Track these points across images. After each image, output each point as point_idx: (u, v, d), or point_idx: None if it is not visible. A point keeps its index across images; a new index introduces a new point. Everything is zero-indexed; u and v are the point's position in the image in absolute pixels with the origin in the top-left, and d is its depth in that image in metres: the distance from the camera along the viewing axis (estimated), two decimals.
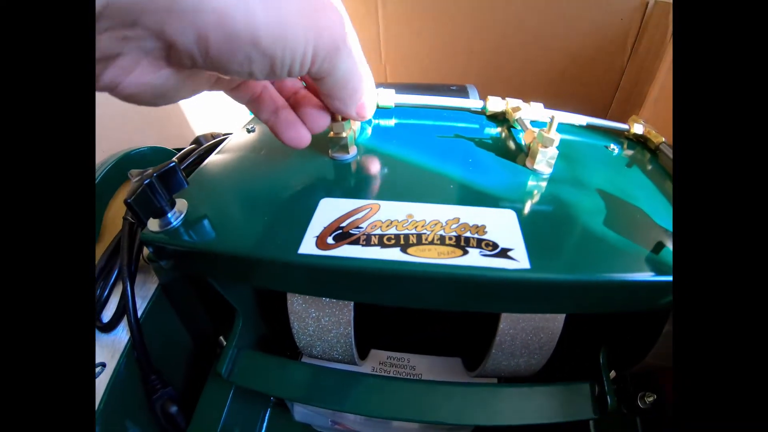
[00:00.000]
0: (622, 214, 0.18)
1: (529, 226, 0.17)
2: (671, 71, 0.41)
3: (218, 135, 0.37)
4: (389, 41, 0.49)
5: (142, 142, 0.32)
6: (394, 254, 0.15)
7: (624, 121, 0.29)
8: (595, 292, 0.16)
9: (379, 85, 0.32)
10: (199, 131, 0.49)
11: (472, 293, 0.16)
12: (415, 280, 0.15)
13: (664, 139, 0.28)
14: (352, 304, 0.18)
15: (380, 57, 0.50)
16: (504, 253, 0.15)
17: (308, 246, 0.16)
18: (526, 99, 0.30)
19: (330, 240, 0.16)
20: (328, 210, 0.17)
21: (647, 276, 0.15)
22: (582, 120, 0.28)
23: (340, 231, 0.16)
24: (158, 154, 0.33)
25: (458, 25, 0.47)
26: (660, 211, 0.19)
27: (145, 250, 0.24)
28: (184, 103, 0.46)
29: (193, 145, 0.31)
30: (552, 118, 0.20)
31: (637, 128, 0.29)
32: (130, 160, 0.30)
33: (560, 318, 0.18)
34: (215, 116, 0.52)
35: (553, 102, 0.34)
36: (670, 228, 0.18)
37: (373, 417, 0.21)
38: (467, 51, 0.46)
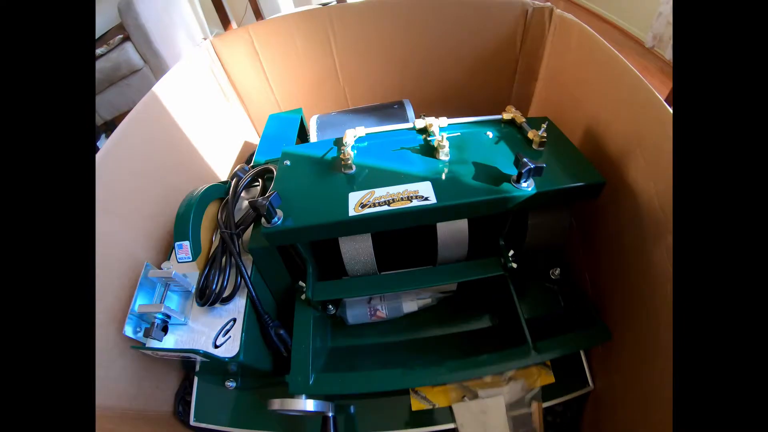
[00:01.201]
0: (483, 170, 0.42)
1: (436, 185, 0.40)
2: (549, 69, 0.65)
3: (242, 169, 0.59)
4: (344, 68, 0.71)
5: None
6: (385, 208, 0.39)
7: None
8: (470, 206, 0.40)
9: (344, 110, 0.55)
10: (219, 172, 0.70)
11: (418, 216, 0.39)
12: (396, 216, 0.38)
13: (525, 119, 0.52)
14: (369, 235, 0.42)
15: (339, 82, 0.72)
16: (426, 199, 0.39)
17: (351, 212, 0.39)
18: (448, 100, 0.53)
19: (359, 208, 0.39)
20: (354, 197, 0.40)
21: (497, 195, 0.40)
22: (473, 119, 0.52)
23: (363, 204, 0.39)
24: (219, 185, 0.55)
25: (393, 48, 0.69)
26: (508, 165, 0.43)
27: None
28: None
29: (250, 176, 0.53)
30: (439, 128, 0.44)
31: (507, 115, 0.53)
32: (211, 190, 0.52)
33: (464, 221, 0.42)
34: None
35: (467, 98, 0.57)
36: (511, 172, 0.42)
37: (394, 291, 0.46)
38: (401, 68, 0.68)
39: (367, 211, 0.38)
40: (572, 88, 0.58)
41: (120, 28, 1.33)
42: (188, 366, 0.54)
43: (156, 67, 1.15)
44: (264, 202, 0.38)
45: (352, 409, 0.50)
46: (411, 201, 0.38)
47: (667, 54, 1.53)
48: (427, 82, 0.69)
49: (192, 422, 0.52)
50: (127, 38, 1.30)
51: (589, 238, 0.56)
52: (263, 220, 0.40)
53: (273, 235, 0.40)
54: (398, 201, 0.38)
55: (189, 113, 0.62)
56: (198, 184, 0.54)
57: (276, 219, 0.39)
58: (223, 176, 0.69)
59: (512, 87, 0.70)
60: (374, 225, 0.39)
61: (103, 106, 1.41)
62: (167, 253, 0.55)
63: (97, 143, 1.44)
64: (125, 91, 1.36)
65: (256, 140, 0.79)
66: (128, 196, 0.51)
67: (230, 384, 0.54)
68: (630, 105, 0.44)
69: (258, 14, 1.43)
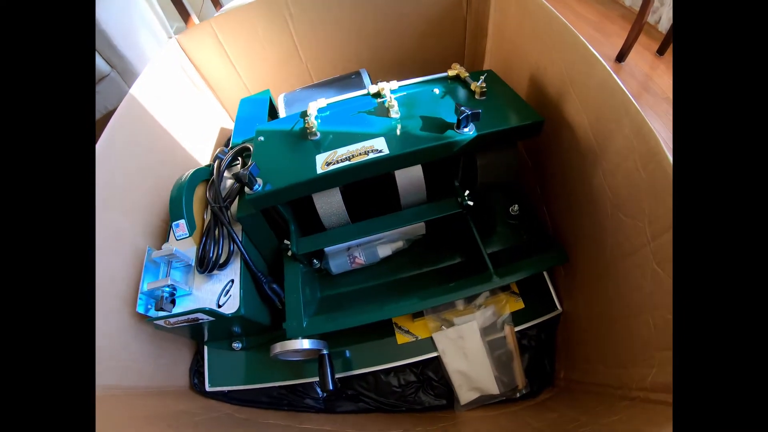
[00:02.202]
0: (429, 122, 0.51)
1: (388, 139, 0.48)
2: (496, 25, 0.74)
3: (222, 152, 0.69)
4: (304, 47, 0.79)
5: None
6: (347, 163, 0.48)
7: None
8: (419, 153, 0.48)
9: (308, 86, 0.65)
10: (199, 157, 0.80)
11: (375, 166, 0.47)
12: (357, 168, 0.47)
13: (468, 74, 0.62)
14: (338, 189, 0.51)
15: (302, 60, 0.81)
16: (380, 151, 0.48)
17: (319, 170, 0.48)
18: (404, 64, 0.63)
19: (325, 166, 0.49)
20: (320, 158, 0.50)
21: (442, 141, 0.49)
22: (422, 78, 0.62)
23: (327, 162, 0.49)
24: (204, 168, 0.65)
25: (348, 22, 0.77)
26: (451, 115, 0.52)
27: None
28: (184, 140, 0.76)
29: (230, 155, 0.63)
30: (390, 90, 0.54)
31: (452, 72, 0.62)
32: (196, 174, 0.62)
33: (418, 167, 0.52)
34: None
35: (423, 60, 0.67)
36: (452, 121, 0.52)
37: (367, 236, 0.55)
38: (357, 40, 0.77)
39: (332, 167, 0.47)
40: (516, 40, 0.67)
41: None
42: (198, 335, 0.65)
43: (123, 70, 1.22)
44: (245, 172, 0.48)
45: (347, 352, 0.61)
46: (368, 154, 0.48)
47: (627, 0, 1.62)
48: (384, 50, 0.78)
49: (208, 388, 0.63)
50: None
51: (542, 173, 0.66)
52: (246, 189, 0.50)
53: (256, 200, 0.50)
54: (357, 156, 0.48)
55: (167, 109, 0.70)
56: (183, 171, 0.63)
57: (257, 186, 0.49)
58: (205, 161, 0.78)
59: (464, 45, 0.79)
60: (340, 179, 0.48)
61: None
62: (164, 238, 0.65)
63: None
64: (96, 99, 1.44)
65: (230, 125, 0.88)
66: (124, 191, 0.59)
67: (236, 345, 0.64)
68: (560, 49, 0.52)
69: (216, 3, 1.51)
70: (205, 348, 0.65)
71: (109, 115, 0.60)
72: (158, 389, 0.58)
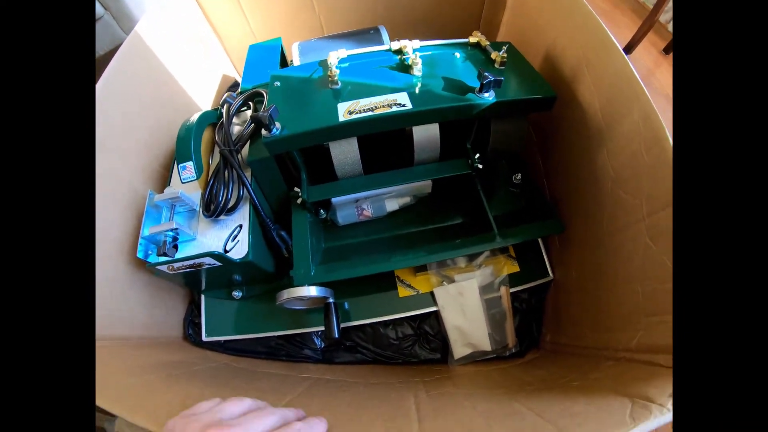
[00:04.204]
0: (451, 83, 0.53)
1: (411, 95, 0.50)
2: None
3: (231, 96, 0.68)
4: None
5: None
6: (370, 113, 0.49)
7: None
8: (440, 112, 0.50)
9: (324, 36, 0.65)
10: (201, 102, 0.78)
11: (397, 120, 0.49)
12: (379, 120, 0.48)
13: (488, 42, 0.63)
14: (355, 138, 0.52)
15: (315, 11, 0.80)
16: (403, 106, 0.49)
17: (341, 118, 0.48)
18: (418, 27, 0.63)
19: (347, 114, 0.49)
20: (342, 107, 0.50)
21: (463, 102, 0.50)
22: (443, 41, 0.63)
23: (350, 111, 0.50)
24: (211, 112, 0.64)
25: None
26: (472, 79, 0.54)
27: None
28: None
29: (241, 99, 0.62)
30: (413, 49, 0.55)
31: (473, 39, 0.63)
32: (204, 116, 0.61)
33: (436, 126, 0.54)
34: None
35: (437, 25, 0.68)
36: (475, 85, 0.53)
37: (378, 188, 0.57)
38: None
39: (354, 116, 0.48)
40: (536, 16, 0.68)
41: None
42: (196, 284, 0.65)
43: (118, 12, 1.15)
44: (265, 114, 0.48)
45: (346, 304, 0.63)
46: (391, 107, 0.49)
47: None
48: (399, 10, 0.78)
49: (204, 338, 0.64)
50: None
51: (546, 148, 0.69)
52: (263, 132, 0.50)
53: (273, 143, 0.50)
54: (380, 108, 0.49)
55: (171, 51, 0.69)
56: (186, 116, 0.62)
57: (275, 129, 0.50)
58: (206, 107, 0.77)
59: (481, 14, 0.81)
60: (361, 129, 0.49)
61: None
62: (164, 184, 0.64)
63: None
64: None
65: (233, 73, 0.87)
66: (123, 132, 0.57)
67: (236, 294, 0.65)
68: (581, 32, 0.55)
69: None
70: (202, 297, 0.66)
71: (100, 59, 0.58)
72: (152, 339, 0.59)
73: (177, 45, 0.71)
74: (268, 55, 0.70)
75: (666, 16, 1.52)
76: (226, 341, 0.64)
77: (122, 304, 0.54)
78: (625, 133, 0.47)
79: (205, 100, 0.77)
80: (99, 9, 1.34)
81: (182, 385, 0.46)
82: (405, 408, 0.43)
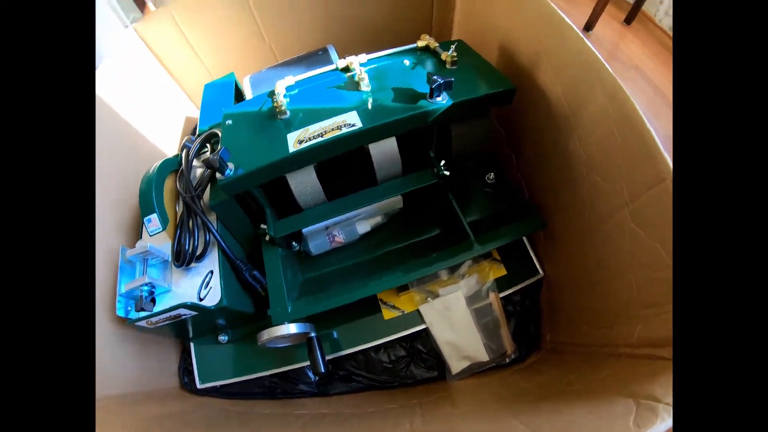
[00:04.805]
0: (401, 93, 0.51)
1: (361, 113, 0.48)
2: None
3: (190, 140, 0.67)
4: (266, 26, 0.77)
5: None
6: (320, 139, 0.47)
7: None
8: (392, 125, 0.49)
9: (274, 65, 0.64)
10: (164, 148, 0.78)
11: (348, 141, 0.48)
12: (330, 144, 0.47)
13: (438, 44, 0.62)
14: (312, 167, 0.51)
15: (265, 41, 0.79)
16: (353, 125, 0.48)
17: (292, 149, 0.47)
18: (372, 38, 0.62)
19: (297, 144, 0.48)
20: (292, 137, 0.50)
21: (415, 111, 0.49)
22: (391, 50, 0.62)
23: (300, 140, 0.49)
24: (172, 159, 0.63)
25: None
26: (423, 85, 0.53)
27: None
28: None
29: (198, 143, 0.61)
30: (359, 64, 0.53)
31: (421, 43, 0.62)
32: (165, 164, 0.61)
33: (392, 140, 0.52)
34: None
35: (390, 34, 0.67)
36: (427, 91, 0.52)
37: (345, 213, 0.55)
38: (323, 14, 0.76)
39: (304, 145, 0.47)
40: (486, 13, 0.67)
41: None
42: (182, 333, 0.64)
43: None
44: (215, 157, 0.47)
45: (334, 333, 0.62)
46: (341, 129, 0.48)
47: None
48: (351, 24, 0.77)
49: (199, 385, 0.63)
50: None
51: (517, 142, 0.67)
52: (217, 175, 0.49)
53: (229, 185, 0.49)
54: (330, 132, 0.48)
55: (128, 102, 0.68)
56: (151, 164, 0.62)
57: (229, 171, 0.49)
58: (172, 153, 0.77)
59: (431, 19, 0.79)
60: (313, 156, 0.48)
61: None
62: (137, 235, 0.63)
63: None
64: None
65: (196, 113, 0.86)
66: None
67: (222, 338, 0.64)
68: (534, 23, 0.53)
69: None
70: (192, 345, 0.64)
71: None
72: (147, 393, 0.58)
73: (134, 96, 0.71)
74: (223, 92, 0.69)
75: None
76: (221, 386, 0.63)
77: (112, 362, 0.53)
78: (593, 116, 0.45)
79: (170, 146, 0.77)
80: None
81: None
82: None
